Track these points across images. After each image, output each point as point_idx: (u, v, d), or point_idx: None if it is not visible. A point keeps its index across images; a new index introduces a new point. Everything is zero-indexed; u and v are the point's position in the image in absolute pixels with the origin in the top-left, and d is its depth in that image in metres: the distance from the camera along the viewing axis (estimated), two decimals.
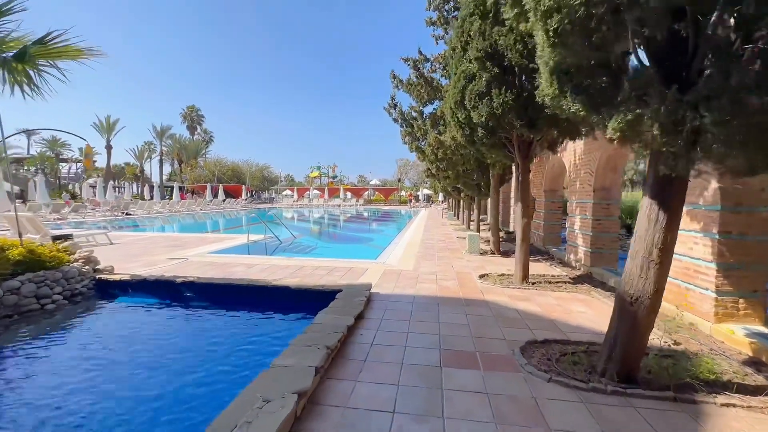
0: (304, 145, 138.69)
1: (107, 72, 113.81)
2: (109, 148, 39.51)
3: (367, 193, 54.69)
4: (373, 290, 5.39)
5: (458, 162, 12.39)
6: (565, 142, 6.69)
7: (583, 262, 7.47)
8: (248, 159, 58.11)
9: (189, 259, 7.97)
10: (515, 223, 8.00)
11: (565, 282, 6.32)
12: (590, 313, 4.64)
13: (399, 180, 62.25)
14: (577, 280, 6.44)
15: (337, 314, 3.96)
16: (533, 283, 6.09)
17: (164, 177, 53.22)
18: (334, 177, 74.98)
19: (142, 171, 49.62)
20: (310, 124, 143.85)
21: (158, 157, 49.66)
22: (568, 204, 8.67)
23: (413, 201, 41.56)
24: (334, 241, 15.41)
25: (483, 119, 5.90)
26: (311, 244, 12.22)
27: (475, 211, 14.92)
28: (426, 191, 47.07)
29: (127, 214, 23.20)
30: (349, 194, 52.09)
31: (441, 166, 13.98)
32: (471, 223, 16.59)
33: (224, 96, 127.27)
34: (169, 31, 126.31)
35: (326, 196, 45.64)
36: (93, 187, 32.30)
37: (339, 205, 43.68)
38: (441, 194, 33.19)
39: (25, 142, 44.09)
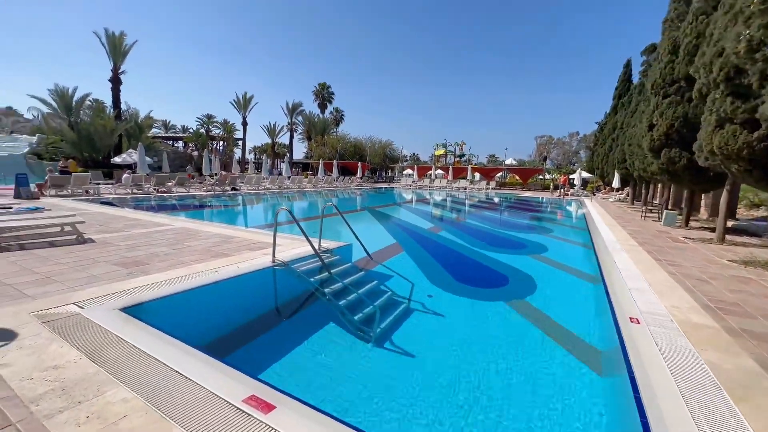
0: (430, 123, 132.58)
1: (247, 49, 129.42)
2: (245, 124, 41.62)
3: (500, 174, 45.54)
4: None
5: None
6: None
7: None
8: (371, 136, 55.56)
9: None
10: None
11: None
12: None
13: (545, 158, 50.27)
14: None
15: None
16: None
17: (300, 154, 55.55)
18: (462, 156, 67.01)
19: (273, 146, 52.15)
20: (436, 102, 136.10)
21: (291, 133, 51.24)
22: None
23: (566, 187, 31.06)
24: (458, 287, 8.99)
25: None
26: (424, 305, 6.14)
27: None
28: (584, 174, 35.32)
29: (233, 189, 21.63)
30: (477, 175, 44.09)
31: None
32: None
33: (353, 74, 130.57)
34: (309, 12, 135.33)
35: (451, 176, 38.91)
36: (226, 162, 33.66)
37: (465, 188, 36.45)
38: (616, 179, 22.62)
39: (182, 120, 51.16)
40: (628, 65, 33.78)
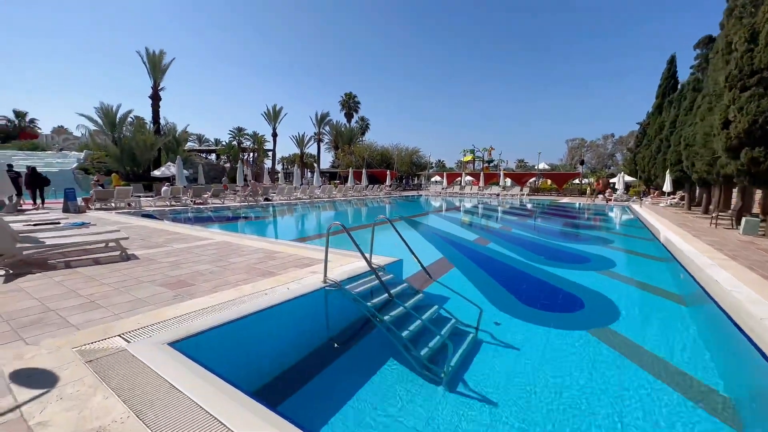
0: (455, 128, 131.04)
1: (275, 61, 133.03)
2: (274, 135, 42.44)
3: (532, 180, 43.84)
4: None
5: None
6: None
7: None
8: (397, 143, 55.27)
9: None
10: None
11: None
12: None
13: (582, 163, 48.02)
14: None
15: None
16: None
17: (327, 164, 56.13)
18: (490, 161, 65.33)
19: (302, 156, 52.91)
20: (460, 108, 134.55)
21: (318, 143, 51.87)
22: None
23: (609, 192, 29.22)
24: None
25: None
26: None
27: None
28: (627, 177, 33.20)
29: (266, 199, 21.77)
30: (509, 181, 42.63)
31: None
32: None
33: (378, 83, 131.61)
34: (336, 22, 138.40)
35: (482, 183, 37.76)
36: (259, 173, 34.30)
37: (498, 195, 35.24)
38: (668, 182, 20.88)
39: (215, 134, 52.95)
40: (672, 61, 31.68)
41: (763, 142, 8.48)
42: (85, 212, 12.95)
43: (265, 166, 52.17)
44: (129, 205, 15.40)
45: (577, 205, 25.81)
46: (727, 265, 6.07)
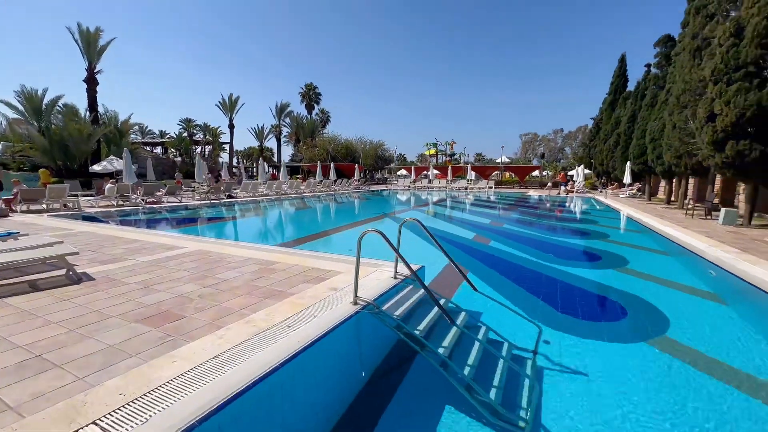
0: (413, 121, 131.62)
1: (233, 50, 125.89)
2: (231, 127, 39.49)
3: (495, 173, 45.00)
4: None
5: None
6: None
7: None
8: (361, 136, 53.98)
9: None
10: None
11: None
12: None
13: (542, 156, 49.98)
14: None
15: None
16: None
17: (287, 157, 53.49)
18: (452, 155, 66.29)
19: (262, 150, 50.05)
20: (419, 101, 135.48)
21: (278, 136, 49.23)
22: None
23: (570, 183, 30.51)
24: None
25: None
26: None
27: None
28: (581, 170, 34.92)
29: (229, 196, 19.91)
30: (473, 174, 43.37)
31: None
32: None
33: (338, 76, 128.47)
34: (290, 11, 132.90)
35: (449, 176, 37.92)
36: (216, 167, 31.63)
37: (466, 188, 35.56)
38: (627, 174, 21.97)
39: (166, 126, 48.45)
40: (623, 60, 33.63)
41: (748, 135, 8.73)
42: (8, 216, 10.72)
43: (221, 159, 48.68)
44: (65, 206, 13.13)
45: (551, 198, 26.56)
46: (749, 258, 5.98)
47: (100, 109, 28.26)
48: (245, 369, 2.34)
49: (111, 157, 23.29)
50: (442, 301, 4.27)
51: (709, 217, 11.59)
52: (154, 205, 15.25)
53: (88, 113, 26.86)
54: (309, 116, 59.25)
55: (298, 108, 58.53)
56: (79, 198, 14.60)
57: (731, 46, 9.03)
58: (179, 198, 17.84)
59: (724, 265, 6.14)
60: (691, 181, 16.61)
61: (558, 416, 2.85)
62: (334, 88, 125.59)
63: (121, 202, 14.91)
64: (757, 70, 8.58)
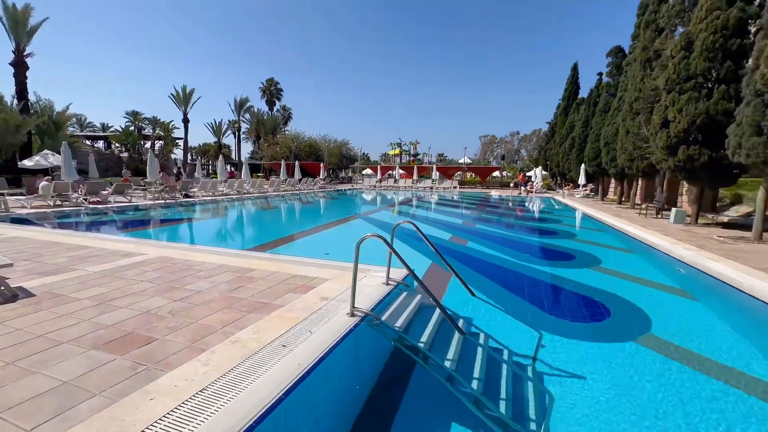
0: (376, 120, 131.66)
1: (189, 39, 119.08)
2: (186, 121, 36.92)
3: (458, 173, 46.09)
4: None
5: None
6: None
7: None
8: (326, 134, 52.93)
9: None
10: None
11: None
12: None
13: (503, 158, 51.86)
14: None
15: None
16: None
17: (246, 154, 51.10)
18: (416, 155, 67.10)
19: (220, 147, 47.49)
20: (382, 99, 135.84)
21: (237, 132, 46.92)
22: None
23: (529, 184, 31.92)
24: None
25: None
26: None
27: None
28: (539, 171, 36.72)
29: (186, 195, 18.54)
30: (438, 174, 44.13)
31: None
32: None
33: (301, 70, 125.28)
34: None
35: (415, 176, 38.24)
36: (169, 163, 29.38)
37: (431, 188, 36.05)
38: (582, 176, 23.36)
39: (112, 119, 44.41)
40: (575, 68, 35.75)
41: (696, 142, 9.48)
42: None
43: (173, 156, 45.50)
44: None
45: (512, 198, 27.54)
46: (710, 256, 6.41)
47: (32, 98, 25.18)
48: (242, 405, 1.98)
49: (45, 151, 20.78)
50: (460, 322, 4.09)
51: (659, 216, 12.51)
52: (99, 206, 13.76)
53: (16, 101, 23.82)
54: (270, 112, 57.13)
55: (259, 104, 56.17)
56: (6, 197, 12.80)
57: (682, 59, 9.77)
58: (128, 198, 16.28)
59: (687, 261, 6.55)
60: (640, 182, 17.91)
61: (563, 426, 2.75)
62: (296, 84, 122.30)
63: (59, 202, 13.29)
64: (705, 81, 9.34)
